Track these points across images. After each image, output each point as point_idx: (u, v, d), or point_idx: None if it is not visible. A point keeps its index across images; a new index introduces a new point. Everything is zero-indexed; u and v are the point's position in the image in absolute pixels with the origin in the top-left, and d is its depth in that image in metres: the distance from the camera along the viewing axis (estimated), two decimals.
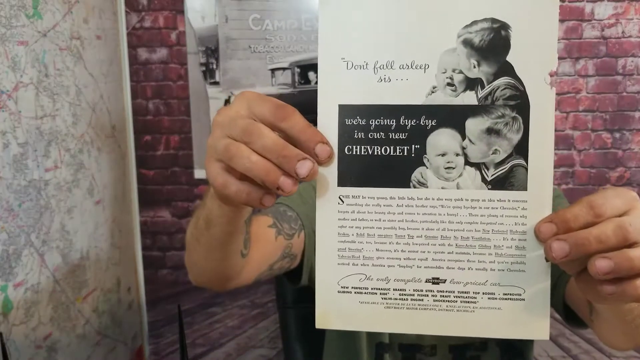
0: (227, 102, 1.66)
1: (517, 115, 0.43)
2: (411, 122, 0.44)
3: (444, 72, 0.44)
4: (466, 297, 0.45)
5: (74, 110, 1.28)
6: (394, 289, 0.46)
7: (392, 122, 0.44)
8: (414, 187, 0.45)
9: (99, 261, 1.42)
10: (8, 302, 1.02)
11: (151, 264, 1.72)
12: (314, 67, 1.61)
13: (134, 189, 1.67)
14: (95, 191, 1.40)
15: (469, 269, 0.45)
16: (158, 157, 1.68)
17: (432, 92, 0.44)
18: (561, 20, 1.56)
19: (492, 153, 0.44)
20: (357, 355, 0.85)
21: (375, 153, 0.44)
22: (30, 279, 1.09)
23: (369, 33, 0.44)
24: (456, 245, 0.45)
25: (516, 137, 0.44)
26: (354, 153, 0.45)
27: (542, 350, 1.66)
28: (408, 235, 0.45)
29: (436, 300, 0.46)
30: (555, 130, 1.62)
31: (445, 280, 0.45)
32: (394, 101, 0.44)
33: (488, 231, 0.44)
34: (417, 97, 0.44)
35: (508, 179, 0.44)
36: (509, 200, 0.44)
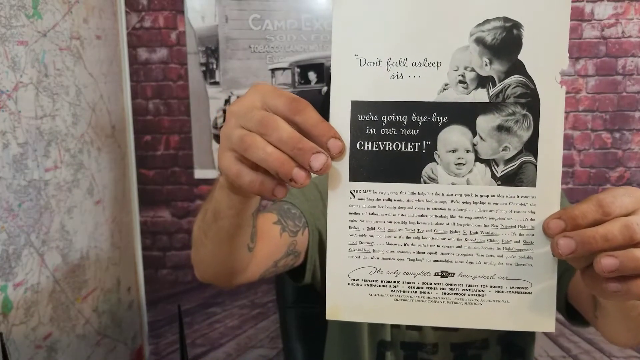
0: (227, 102, 1.66)
1: (527, 113, 0.44)
2: (423, 119, 0.45)
3: (456, 70, 0.44)
4: (474, 290, 0.46)
5: (73, 110, 1.28)
6: (403, 282, 0.47)
7: (404, 118, 0.45)
8: (425, 182, 0.45)
9: (99, 261, 1.42)
10: (8, 302, 1.02)
11: (151, 264, 1.72)
12: (314, 67, 1.61)
13: (134, 189, 1.67)
14: (95, 191, 1.40)
15: (477, 262, 0.46)
16: (158, 157, 1.68)
17: (444, 89, 0.44)
18: None
19: (502, 150, 0.44)
20: (359, 354, 0.85)
21: (387, 149, 0.45)
22: (30, 279, 1.09)
23: (382, 30, 0.45)
24: (465, 239, 0.46)
25: (526, 135, 0.44)
26: (366, 148, 0.45)
27: (542, 350, 1.66)
28: (418, 229, 0.46)
29: (445, 293, 0.46)
30: None
31: (454, 273, 0.46)
32: (406, 98, 0.45)
33: (497, 226, 0.45)
34: (429, 94, 0.45)
35: (517, 176, 0.45)
36: (518, 197, 0.45)
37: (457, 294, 0.46)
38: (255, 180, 0.44)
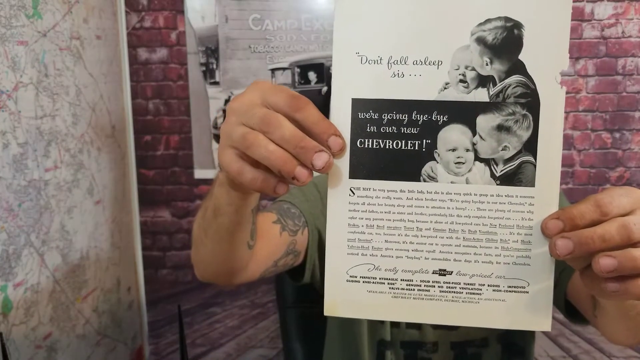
0: (227, 102, 1.66)
1: (527, 112, 0.44)
2: (423, 117, 0.45)
3: (456, 69, 0.44)
4: (471, 289, 0.46)
5: (74, 110, 1.28)
6: (401, 279, 0.47)
7: (404, 116, 0.45)
8: (424, 180, 0.45)
9: (99, 261, 1.42)
10: (8, 302, 1.02)
11: (151, 264, 1.72)
12: (314, 67, 1.61)
13: (134, 189, 1.67)
14: (95, 191, 1.40)
15: (475, 261, 0.46)
16: (158, 157, 1.68)
17: (445, 88, 0.45)
18: None
19: (502, 149, 0.45)
20: (359, 354, 0.85)
21: (387, 147, 0.45)
22: (30, 279, 1.09)
23: (383, 29, 0.45)
24: (463, 238, 0.46)
25: (526, 135, 0.44)
26: (366, 146, 0.45)
27: (542, 350, 1.66)
28: (417, 227, 0.46)
29: (442, 291, 0.47)
30: None
31: (452, 272, 0.46)
32: (407, 96, 0.45)
33: (495, 225, 0.45)
34: (429, 92, 0.45)
35: (516, 175, 0.45)
36: (516, 196, 0.45)
37: (454, 292, 0.46)
38: (257, 178, 0.45)
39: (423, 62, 0.45)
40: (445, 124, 0.45)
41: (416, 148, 0.45)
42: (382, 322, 0.85)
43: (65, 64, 1.24)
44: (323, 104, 1.64)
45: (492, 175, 0.45)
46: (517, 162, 0.45)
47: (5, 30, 1.02)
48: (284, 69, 1.62)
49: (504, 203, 0.45)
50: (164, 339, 1.75)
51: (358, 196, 0.46)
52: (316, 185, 0.83)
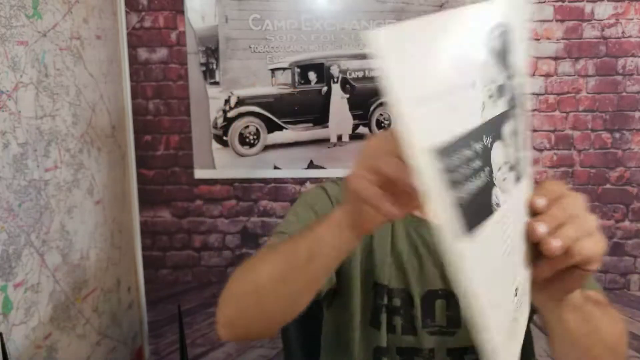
0: (227, 102, 1.66)
1: (518, 109, 0.45)
2: (479, 146, 0.40)
3: (485, 85, 0.41)
4: (527, 291, 0.48)
5: (74, 110, 1.28)
6: (508, 321, 0.44)
7: (469, 151, 0.39)
8: (494, 210, 0.41)
9: (99, 261, 1.42)
10: (8, 302, 1.02)
11: (151, 264, 1.72)
12: (314, 67, 1.61)
13: (134, 189, 1.67)
14: (95, 191, 1.40)
15: (524, 265, 0.47)
16: (158, 157, 1.68)
17: (483, 108, 0.41)
18: (561, 20, 1.56)
19: (517, 151, 0.45)
20: None
21: (471, 190, 0.39)
22: (30, 279, 1.09)
23: (428, 63, 0.37)
24: (518, 249, 0.45)
25: (520, 131, 0.45)
26: (457, 196, 0.38)
27: (542, 351, 1.66)
28: (502, 262, 0.42)
29: (517, 309, 0.46)
30: (555, 130, 1.62)
31: (519, 287, 0.46)
32: (464, 128, 0.39)
33: (522, 222, 0.46)
34: (476, 118, 0.40)
35: (523, 170, 0.46)
36: (524, 189, 0.47)
37: (521, 303, 0.47)
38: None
39: (465, 87, 0.39)
40: (491, 145, 0.41)
41: (486, 180, 0.40)
42: (378, 329, 0.83)
43: (65, 64, 1.24)
44: (323, 103, 1.64)
45: (516, 178, 0.45)
46: (522, 158, 0.46)
47: (5, 30, 1.02)
48: (284, 69, 1.62)
49: (520, 200, 0.46)
50: (164, 339, 1.75)
51: (472, 257, 0.38)
52: (312, 207, 0.82)
